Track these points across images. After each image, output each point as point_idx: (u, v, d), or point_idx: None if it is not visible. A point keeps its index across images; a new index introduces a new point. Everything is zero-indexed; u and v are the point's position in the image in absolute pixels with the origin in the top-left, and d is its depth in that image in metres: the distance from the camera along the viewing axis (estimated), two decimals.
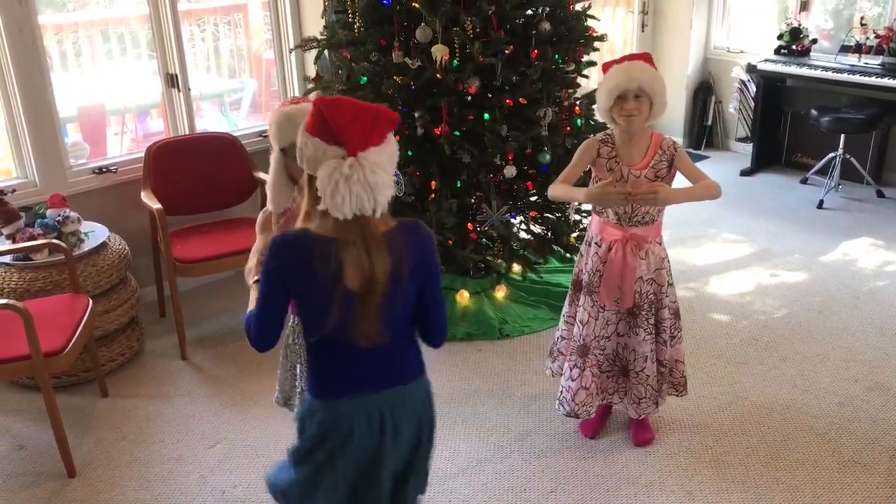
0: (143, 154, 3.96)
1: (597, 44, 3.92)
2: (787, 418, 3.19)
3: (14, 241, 3.36)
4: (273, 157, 2.20)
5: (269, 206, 2.24)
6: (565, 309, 3.07)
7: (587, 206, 3.69)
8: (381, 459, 1.86)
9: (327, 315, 1.71)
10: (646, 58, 2.69)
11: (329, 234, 1.68)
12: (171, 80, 4.16)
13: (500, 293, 4.06)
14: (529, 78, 3.57)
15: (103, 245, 3.56)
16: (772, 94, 5.95)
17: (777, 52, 5.84)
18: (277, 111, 2.21)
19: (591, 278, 2.85)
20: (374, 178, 1.62)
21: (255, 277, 2.01)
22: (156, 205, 3.67)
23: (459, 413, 3.27)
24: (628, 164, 2.70)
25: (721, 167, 6.16)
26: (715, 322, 3.94)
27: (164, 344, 3.84)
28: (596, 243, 2.84)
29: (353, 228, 1.66)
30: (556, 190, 2.76)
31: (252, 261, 2.20)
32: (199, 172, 4.01)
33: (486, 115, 3.58)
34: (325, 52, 3.94)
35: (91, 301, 3.22)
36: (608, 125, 2.77)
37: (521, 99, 3.62)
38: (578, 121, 3.88)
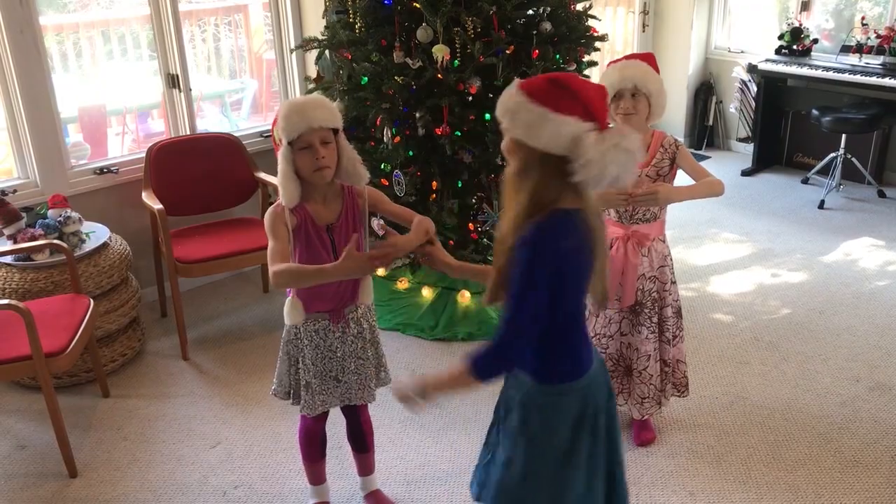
0: (143, 154, 3.96)
1: (598, 44, 3.92)
2: (788, 418, 3.19)
3: (15, 242, 3.36)
4: (280, 152, 2.17)
5: (282, 201, 2.20)
6: None
7: None
8: (615, 418, 1.90)
9: (584, 290, 1.74)
10: (647, 58, 2.69)
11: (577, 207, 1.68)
12: (172, 81, 4.16)
13: None
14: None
15: (104, 245, 3.56)
16: (773, 94, 5.95)
17: (778, 52, 5.84)
18: (285, 103, 2.18)
19: None
20: (633, 147, 1.64)
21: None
22: (157, 205, 3.67)
23: (460, 413, 3.27)
24: None
25: (722, 167, 6.16)
26: (716, 322, 3.94)
27: (165, 344, 3.84)
28: None
29: (586, 197, 1.68)
30: None
31: (278, 266, 2.10)
32: (199, 173, 4.01)
33: (488, 116, 3.57)
34: (326, 52, 3.93)
35: (92, 301, 3.22)
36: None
37: None
38: None
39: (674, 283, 2.89)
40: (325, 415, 2.55)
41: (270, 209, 2.24)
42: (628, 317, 2.86)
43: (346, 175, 2.26)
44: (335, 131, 2.21)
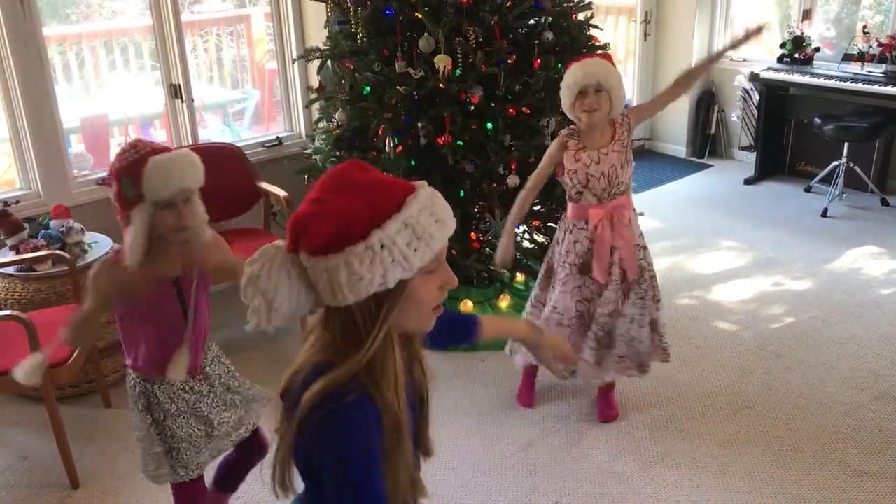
0: None
1: (599, 52, 3.92)
2: (792, 428, 3.17)
3: (18, 253, 3.36)
4: (139, 212, 2.02)
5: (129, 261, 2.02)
6: (535, 293, 3.15)
7: None
8: None
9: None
10: (605, 58, 2.87)
11: None
12: (175, 91, 4.17)
13: (504, 303, 4.04)
14: (532, 87, 3.57)
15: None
16: (775, 102, 5.95)
17: (780, 60, 5.84)
18: (152, 160, 1.99)
19: (583, 260, 2.91)
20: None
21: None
22: None
23: (463, 423, 3.25)
24: (596, 148, 2.82)
25: (724, 176, 6.15)
26: (720, 331, 3.93)
27: None
28: (580, 228, 2.91)
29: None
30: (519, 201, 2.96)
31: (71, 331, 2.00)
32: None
33: (489, 125, 3.58)
34: (329, 62, 3.94)
35: None
36: (574, 122, 2.86)
37: (524, 108, 3.62)
38: None
39: (646, 248, 3.01)
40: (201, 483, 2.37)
41: (102, 265, 2.13)
42: (623, 289, 2.92)
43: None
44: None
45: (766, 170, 6.12)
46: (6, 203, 3.59)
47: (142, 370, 2.20)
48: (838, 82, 5.40)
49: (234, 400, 2.37)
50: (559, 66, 3.70)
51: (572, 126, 2.87)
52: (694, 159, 6.52)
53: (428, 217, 1.18)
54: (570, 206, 2.95)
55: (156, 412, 2.21)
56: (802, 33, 5.79)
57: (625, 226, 2.87)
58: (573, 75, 2.73)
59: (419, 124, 3.55)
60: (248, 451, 2.50)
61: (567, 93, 2.76)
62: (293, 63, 4.58)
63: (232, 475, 2.59)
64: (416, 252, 1.17)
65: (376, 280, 1.16)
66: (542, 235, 4.05)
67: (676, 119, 6.53)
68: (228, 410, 2.34)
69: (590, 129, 2.80)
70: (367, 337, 1.20)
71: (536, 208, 3.93)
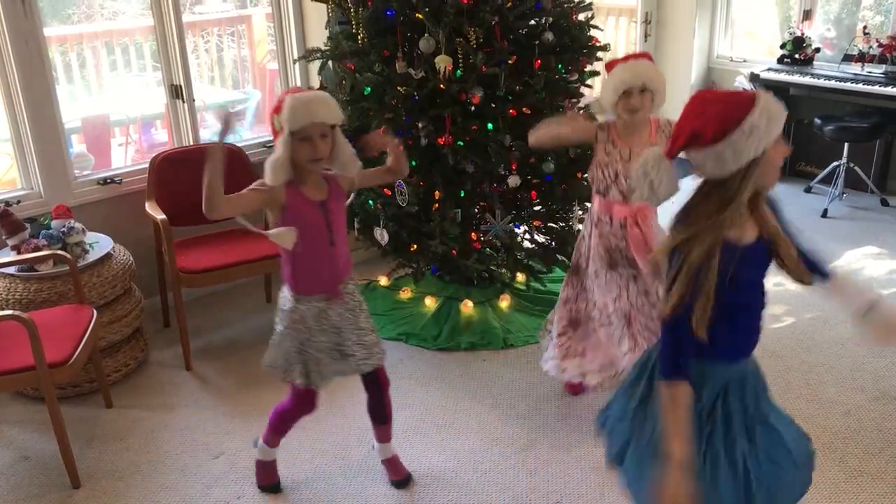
0: (147, 165, 3.97)
1: (600, 53, 3.93)
2: None
3: (19, 252, 3.36)
4: (281, 139, 2.35)
5: (266, 180, 2.41)
6: (562, 295, 3.20)
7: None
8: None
9: None
10: (647, 57, 2.89)
11: None
12: (176, 92, 4.17)
13: (504, 303, 4.06)
14: (533, 88, 3.58)
15: (108, 256, 3.56)
16: None
17: (780, 61, 5.85)
18: (291, 96, 2.32)
19: (611, 256, 2.97)
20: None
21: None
22: (160, 215, 3.67)
23: (463, 423, 3.26)
24: (629, 147, 2.88)
25: None
26: None
27: (169, 354, 3.84)
28: (605, 221, 2.96)
29: None
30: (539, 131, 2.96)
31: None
32: (203, 183, 4.00)
33: (490, 125, 3.58)
34: (329, 62, 3.95)
35: (95, 311, 3.23)
36: (614, 117, 2.92)
37: (524, 109, 3.62)
38: None
39: None
40: (316, 397, 2.68)
41: (259, 181, 2.45)
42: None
43: (341, 165, 2.45)
44: (333, 126, 2.40)
45: None
46: (7, 203, 3.59)
47: (292, 289, 2.53)
48: (838, 83, 5.40)
49: (363, 337, 2.61)
50: (559, 66, 3.71)
51: (601, 123, 2.95)
52: None
53: (774, 104, 1.79)
54: (596, 199, 3.01)
55: (300, 327, 2.52)
56: (803, 34, 5.80)
57: (649, 226, 2.93)
58: (621, 77, 2.77)
59: (420, 125, 3.56)
60: (377, 387, 2.77)
61: (612, 92, 2.80)
62: (294, 63, 4.58)
63: (377, 412, 2.84)
64: (770, 130, 1.78)
65: (751, 152, 1.73)
66: (542, 236, 4.05)
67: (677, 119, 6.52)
68: (360, 341, 2.60)
69: (629, 128, 2.87)
70: (737, 195, 1.79)
71: (537, 209, 3.94)
